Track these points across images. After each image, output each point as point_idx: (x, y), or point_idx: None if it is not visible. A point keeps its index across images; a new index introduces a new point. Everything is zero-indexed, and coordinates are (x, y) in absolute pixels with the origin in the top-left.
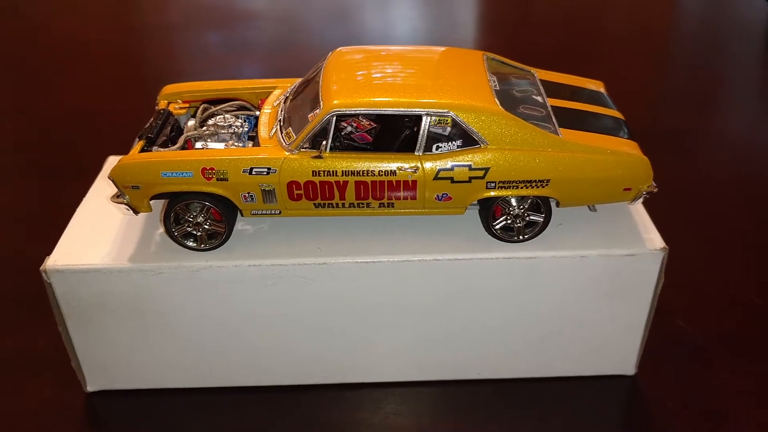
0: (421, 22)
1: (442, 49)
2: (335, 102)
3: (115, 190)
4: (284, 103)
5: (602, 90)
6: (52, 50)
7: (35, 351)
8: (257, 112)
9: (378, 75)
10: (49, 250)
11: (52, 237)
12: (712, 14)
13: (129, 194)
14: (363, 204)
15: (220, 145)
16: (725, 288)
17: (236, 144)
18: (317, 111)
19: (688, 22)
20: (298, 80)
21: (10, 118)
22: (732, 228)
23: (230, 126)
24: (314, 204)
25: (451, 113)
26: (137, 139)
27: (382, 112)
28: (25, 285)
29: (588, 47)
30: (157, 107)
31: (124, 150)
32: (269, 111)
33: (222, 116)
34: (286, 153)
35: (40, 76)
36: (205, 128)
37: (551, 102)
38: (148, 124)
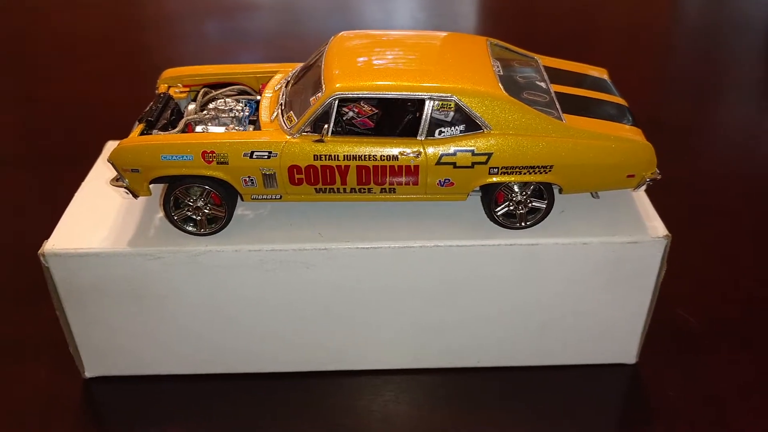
0: (421, 12)
1: (446, 34)
2: (337, 85)
3: (114, 173)
4: (285, 87)
5: (606, 77)
6: (51, 39)
7: (33, 336)
8: (258, 97)
9: (380, 60)
10: (47, 235)
11: (50, 221)
12: (713, 7)
13: (128, 177)
14: (364, 189)
15: (221, 129)
16: (727, 278)
17: (237, 128)
18: (319, 95)
19: (689, 15)
20: (300, 65)
21: (9, 107)
22: (734, 218)
23: (231, 110)
24: (315, 189)
25: (455, 97)
26: (137, 123)
27: (385, 96)
28: (23, 269)
29: (589, 39)
30: (157, 91)
31: (123, 135)
32: (270, 95)
33: (223, 100)
34: (288, 137)
35: (39, 65)
36: (205, 112)
37: (555, 88)
38: (148, 108)
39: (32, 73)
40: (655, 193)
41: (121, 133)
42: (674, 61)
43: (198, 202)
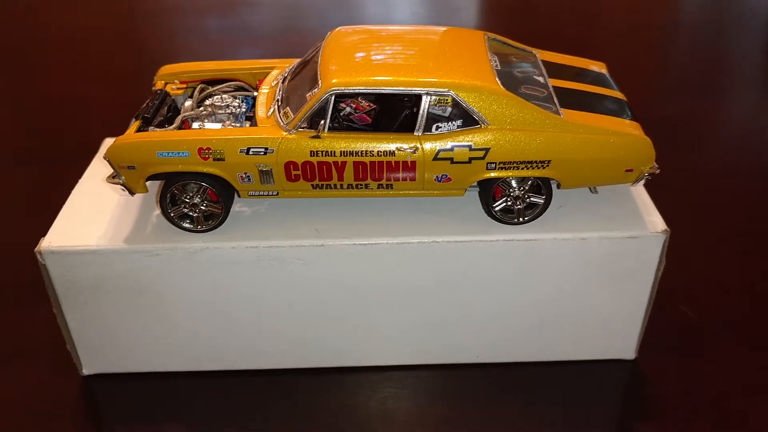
0: (421, 7)
1: (443, 29)
2: (334, 81)
3: (111, 170)
4: (282, 83)
5: (605, 71)
6: (48, 35)
7: (31, 334)
8: (255, 93)
9: (378, 55)
10: (44, 232)
11: (47, 219)
12: (714, 2)
13: (125, 174)
14: (361, 185)
15: (218, 126)
16: (727, 273)
17: (233, 124)
18: (315, 90)
19: (690, 11)
20: (297, 60)
21: (4, 104)
22: (733, 213)
23: (228, 106)
24: (312, 185)
25: (452, 93)
26: (133, 120)
27: (382, 92)
28: (20, 267)
29: (589, 34)
30: (153, 88)
31: (120, 132)
32: (267, 91)
33: (219, 96)
34: (284, 133)
35: (36, 61)
36: (202, 108)
37: (553, 83)
38: (144, 105)
39: (27, 70)
40: (653, 188)
41: (118, 130)
42: (674, 55)
43: (195, 198)
